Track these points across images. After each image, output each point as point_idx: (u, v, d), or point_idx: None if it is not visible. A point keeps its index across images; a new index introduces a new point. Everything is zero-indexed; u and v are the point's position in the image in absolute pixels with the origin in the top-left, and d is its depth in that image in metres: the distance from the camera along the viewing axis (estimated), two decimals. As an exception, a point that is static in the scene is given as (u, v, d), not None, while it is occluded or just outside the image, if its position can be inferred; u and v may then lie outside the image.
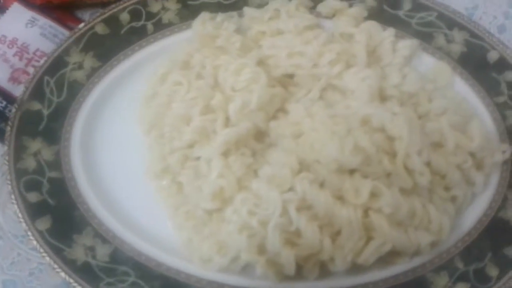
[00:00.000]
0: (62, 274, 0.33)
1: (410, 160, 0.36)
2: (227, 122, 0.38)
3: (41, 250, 0.34)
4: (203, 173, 0.37)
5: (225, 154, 0.37)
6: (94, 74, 0.41)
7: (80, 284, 0.33)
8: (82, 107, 0.40)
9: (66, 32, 0.43)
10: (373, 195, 0.35)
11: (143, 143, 0.40)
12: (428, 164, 0.37)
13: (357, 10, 0.43)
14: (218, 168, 0.36)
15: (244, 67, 0.39)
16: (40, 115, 0.39)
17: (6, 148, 0.36)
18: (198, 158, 0.38)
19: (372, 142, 0.36)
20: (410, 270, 0.36)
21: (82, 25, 0.41)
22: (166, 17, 0.43)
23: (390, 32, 0.42)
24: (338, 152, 0.35)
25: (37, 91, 0.39)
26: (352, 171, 0.36)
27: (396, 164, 0.36)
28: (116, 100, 0.41)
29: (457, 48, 0.43)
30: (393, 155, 0.37)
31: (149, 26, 0.43)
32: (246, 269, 0.35)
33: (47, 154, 0.38)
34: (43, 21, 0.43)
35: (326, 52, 0.40)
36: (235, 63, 0.39)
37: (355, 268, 0.35)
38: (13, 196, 0.35)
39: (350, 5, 0.44)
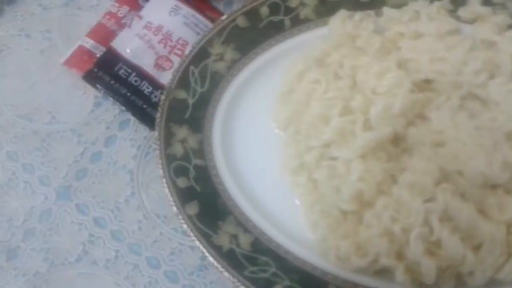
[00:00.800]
0: (211, 259, 0.35)
1: (557, 181, 0.35)
2: (366, 124, 0.38)
3: (191, 234, 0.36)
4: (340, 173, 0.38)
5: (363, 157, 0.38)
6: (234, 66, 0.42)
7: (227, 271, 0.35)
8: (223, 98, 0.41)
9: (206, 22, 0.44)
10: (517, 212, 0.35)
11: (278, 138, 0.41)
12: None
13: (502, 18, 0.42)
14: (358, 170, 0.36)
15: (387, 71, 0.39)
16: (185, 103, 0.40)
17: (156, 133, 0.38)
18: (334, 158, 0.39)
19: (520, 159, 0.35)
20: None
21: (224, 17, 0.42)
22: (304, 12, 0.43)
23: (536, 42, 0.41)
24: (486, 166, 0.35)
25: (183, 80, 0.41)
26: (494, 186, 0.36)
27: (542, 182, 0.35)
28: (253, 93, 0.42)
29: None
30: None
31: (287, 21, 0.43)
32: (381, 272, 0.36)
33: (192, 141, 0.39)
34: (185, 9, 0.44)
35: (471, 60, 0.39)
36: (377, 65, 0.39)
37: (491, 283, 0.35)
38: (164, 181, 0.37)
39: (493, 12, 0.42)
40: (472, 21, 0.43)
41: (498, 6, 0.43)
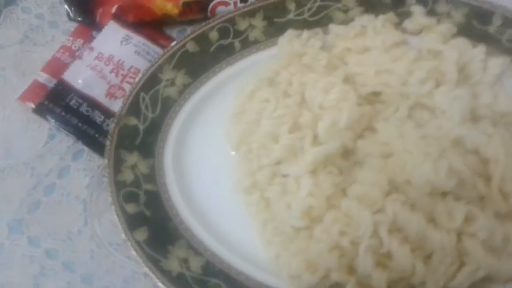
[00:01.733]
0: (160, 284, 0.34)
1: (506, 183, 0.35)
2: (315, 140, 0.39)
3: (140, 260, 0.35)
4: (291, 190, 0.37)
5: (313, 172, 0.38)
6: (185, 90, 0.42)
7: (177, 295, 0.34)
8: (174, 123, 0.42)
9: (158, 49, 0.45)
10: (467, 219, 0.34)
11: (232, 159, 0.41)
12: (524, 187, 0.36)
13: (446, 27, 0.42)
14: (307, 186, 0.36)
15: (332, 86, 0.39)
16: (136, 129, 0.41)
17: (106, 161, 0.39)
18: (285, 175, 0.39)
19: (467, 164, 0.35)
20: (504, 297, 0.35)
21: (174, 43, 0.43)
22: (253, 34, 0.44)
23: (480, 49, 0.41)
24: (432, 174, 0.35)
25: (133, 107, 0.41)
26: (444, 194, 0.36)
27: (491, 187, 0.35)
28: (205, 116, 0.43)
29: (550, 65, 0.41)
30: (487, 178, 0.36)
31: (236, 44, 0.44)
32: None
33: (143, 167, 0.39)
34: (136, 38, 0.45)
35: (416, 70, 0.40)
36: (323, 81, 0.40)
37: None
38: (113, 208, 0.37)
39: (438, 21, 0.43)
40: (418, 32, 0.43)
41: (443, 16, 0.43)
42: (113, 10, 0.46)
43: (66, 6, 0.47)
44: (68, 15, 0.47)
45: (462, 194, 0.35)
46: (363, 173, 0.37)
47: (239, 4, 0.46)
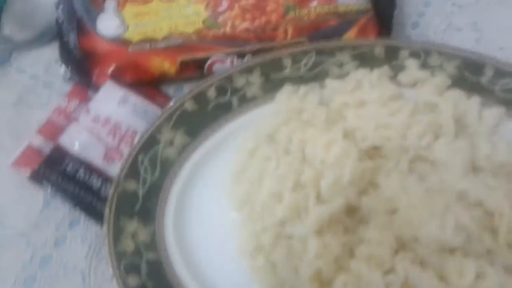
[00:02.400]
0: None
1: (512, 236, 0.35)
2: (318, 197, 0.38)
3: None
4: (298, 252, 0.37)
5: (319, 232, 0.37)
6: (184, 150, 0.42)
7: None
8: (174, 185, 0.41)
9: (156, 108, 0.45)
10: (477, 275, 0.34)
11: (235, 219, 0.40)
12: (530, 239, 0.36)
13: (441, 80, 0.43)
14: (314, 248, 0.36)
15: (333, 142, 0.39)
16: (135, 194, 0.40)
17: (105, 230, 0.37)
18: (290, 236, 0.38)
19: (473, 219, 0.35)
20: None
21: (172, 103, 0.43)
22: (250, 91, 0.44)
23: (475, 100, 0.42)
24: (440, 231, 0.34)
25: (132, 170, 0.40)
26: (452, 250, 0.35)
27: (498, 241, 0.35)
28: (206, 176, 0.42)
29: (544, 114, 0.42)
30: (492, 230, 0.36)
31: (234, 101, 0.44)
32: None
33: (143, 235, 0.38)
34: (134, 98, 0.45)
35: (414, 124, 0.40)
36: (324, 137, 0.40)
37: None
38: (114, 280, 0.36)
39: (432, 74, 0.44)
40: (413, 85, 0.44)
41: (436, 68, 0.44)
42: (110, 70, 0.46)
43: (62, 66, 0.47)
44: (64, 75, 0.47)
45: (470, 249, 0.35)
46: (369, 231, 0.37)
47: (235, 62, 0.46)
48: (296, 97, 0.43)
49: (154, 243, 0.38)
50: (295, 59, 0.45)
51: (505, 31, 0.49)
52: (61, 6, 0.49)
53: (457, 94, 0.42)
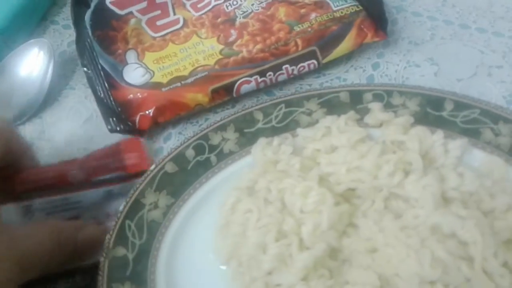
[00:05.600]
0: None
1: (488, 263, 0.37)
2: (301, 244, 0.40)
3: None
4: (287, 301, 0.38)
5: (305, 278, 0.39)
6: (169, 211, 0.44)
7: None
8: (162, 246, 0.42)
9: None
10: (459, 305, 0.36)
11: (224, 273, 0.41)
12: (505, 264, 0.37)
13: (404, 119, 0.45)
14: (302, 295, 0.37)
15: (309, 189, 0.41)
16: (125, 259, 0.41)
17: (99, 299, 0.38)
18: (278, 285, 0.39)
19: (448, 250, 0.37)
20: None
21: (153, 166, 0.45)
22: (227, 147, 0.47)
23: (439, 134, 0.45)
24: (418, 267, 0.36)
25: (121, 237, 0.42)
26: (432, 282, 0.37)
27: (475, 269, 0.37)
28: (192, 234, 0.43)
29: (505, 140, 0.44)
30: (469, 259, 0.38)
31: (213, 158, 0.46)
32: None
33: (136, 298, 0.40)
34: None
35: (384, 164, 0.42)
36: (300, 186, 0.42)
37: None
38: None
39: (395, 113, 0.46)
40: (379, 125, 0.47)
41: (399, 107, 0.47)
42: (151, 113, 0.48)
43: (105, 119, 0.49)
44: (110, 128, 0.49)
45: (449, 280, 0.37)
46: (352, 272, 0.39)
47: (259, 80, 0.50)
48: (270, 149, 0.45)
49: (148, 307, 0.39)
50: (266, 112, 0.47)
51: (460, 64, 0.53)
52: (88, 66, 0.52)
53: (421, 131, 0.45)
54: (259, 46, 0.51)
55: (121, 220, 0.42)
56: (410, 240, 0.38)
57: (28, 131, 0.52)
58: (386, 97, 0.47)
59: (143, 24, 0.54)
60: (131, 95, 0.50)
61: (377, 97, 0.47)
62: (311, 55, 0.51)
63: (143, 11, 0.54)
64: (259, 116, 0.47)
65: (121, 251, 0.41)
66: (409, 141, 0.44)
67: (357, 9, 0.53)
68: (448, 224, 0.38)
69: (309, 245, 0.39)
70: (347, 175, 0.42)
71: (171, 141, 0.50)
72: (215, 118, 0.50)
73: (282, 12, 0.53)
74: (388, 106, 0.47)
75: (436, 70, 0.53)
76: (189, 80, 0.50)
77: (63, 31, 0.59)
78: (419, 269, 0.36)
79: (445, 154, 0.44)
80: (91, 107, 0.53)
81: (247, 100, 0.52)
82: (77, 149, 0.50)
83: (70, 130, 0.52)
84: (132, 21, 0.54)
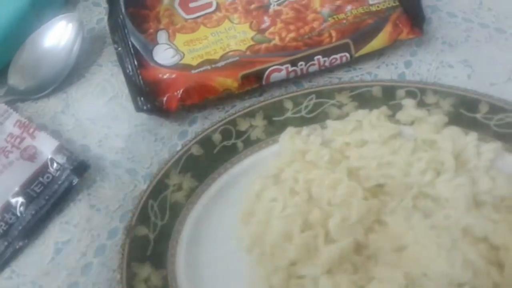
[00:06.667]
0: None
1: (519, 270, 0.36)
2: (327, 237, 0.39)
3: None
4: (310, 293, 0.37)
5: (329, 271, 0.38)
6: (192, 194, 0.43)
7: None
8: (184, 228, 0.42)
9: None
10: (486, 311, 0.35)
11: (246, 260, 0.40)
12: (536, 271, 0.36)
13: (438, 118, 0.44)
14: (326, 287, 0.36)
15: (339, 182, 0.40)
16: (147, 239, 0.40)
17: (118, 276, 0.38)
18: (301, 276, 0.39)
19: (479, 254, 0.36)
20: None
21: (179, 147, 0.44)
22: (254, 134, 0.46)
23: (472, 136, 0.43)
24: (448, 267, 0.35)
25: (143, 216, 0.41)
26: (460, 284, 0.36)
27: (505, 275, 0.36)
28: (214, 219, 0.43)
29: (540, 147, 0.43)
30: (498, 265, 0.37)
31: (239, 144, 0.45)
32: None
33: (156, 279, 0.39)
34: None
35: (416, 161, 0.41)
36: (330, 178, 0.41)
37: None
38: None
39: (429, 112, 0.45)
40: (411, 123, 0.46)
41: (432, 106, 0.46)
42: (179, 94, 0.47)
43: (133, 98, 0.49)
44: (136, 107, 0.48)
45: (477, 284, 0.36)
46: (378, 269, 0.38)
47: (290, 69, 0.49)
48: (299, 138, 0.44)
49: (167, 287, 0.38)
50: (296, 102, 0.47)
51: (494, 68, 0.52)
52: (119, 43, 0.51)
53: (455, 131, 0.44)
54: (292, 35, 0.50)
55: (144, 199, 0.42)
56: (441, 240, 0.37)
57: (52, 104, 0.51)
58: (419, 95, 0.46)
59: (176, 5, 0.53)
60: (160, 75, 0.49)
61: (411, 94, 0.46)
62: (344, 48, 0.50)
63: (176, -8, 0.54)
64: (289, 105, 0.47)
65: (143, 230, 0.41)
66: (441, 140, 0.43)
67: (394, 4, 0.52)
68: (480, 227, 0.37)
69: (335, 238, 0.39)
70: (378, 170, 0.41)
71: (196, 125, 0.49)
72: (242, 105, 0.49)
73: (317, 2, 0.52)
74: (421, 105, 0.46)
75: (470, 73, 0.52)
76: (219, 64, 0.49)
77: (93, 8, 0.58)
78: (450, 270, 0.35)
79: (477, 157, 0.43)
80: (117, 86, 0.52)
81: (275, 89, 0.51)
82: (101, 127, 0.50)
83: (95, 107, 0.51)
84: (165, 0, 0.53)
